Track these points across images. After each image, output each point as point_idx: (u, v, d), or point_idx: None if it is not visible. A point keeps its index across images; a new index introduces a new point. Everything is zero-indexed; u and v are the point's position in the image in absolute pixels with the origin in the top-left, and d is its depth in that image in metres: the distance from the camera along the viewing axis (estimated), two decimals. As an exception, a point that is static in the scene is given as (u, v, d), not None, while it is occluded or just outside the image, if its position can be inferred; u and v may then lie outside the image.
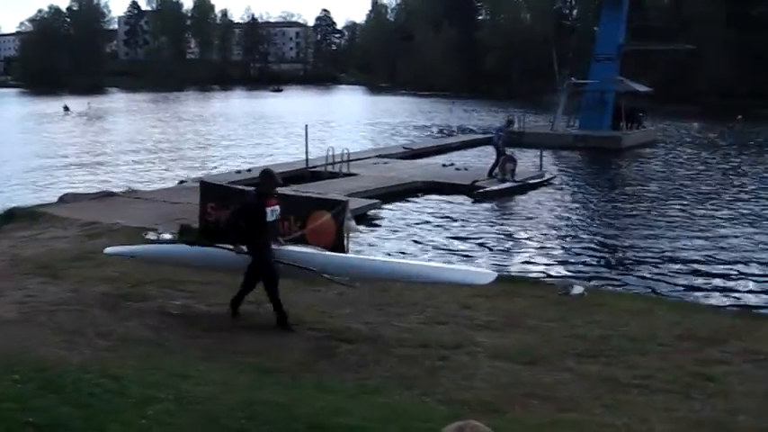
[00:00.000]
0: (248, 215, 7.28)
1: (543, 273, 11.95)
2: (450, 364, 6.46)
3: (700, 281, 11.70)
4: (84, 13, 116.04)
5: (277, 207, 7.42)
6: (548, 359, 6.59)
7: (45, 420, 4.64)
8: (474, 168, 22.32)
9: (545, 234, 15.04)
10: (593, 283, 11.10)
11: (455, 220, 16.09)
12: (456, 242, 14.11)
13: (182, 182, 19.52)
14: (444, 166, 23.03)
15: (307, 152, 20.47)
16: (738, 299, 10.72)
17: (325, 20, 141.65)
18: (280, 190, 7.87)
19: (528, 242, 14.38)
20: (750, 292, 11.14)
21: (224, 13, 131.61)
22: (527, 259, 13.02)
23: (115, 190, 17.49)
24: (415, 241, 14.09)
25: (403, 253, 12.95)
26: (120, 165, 26.59)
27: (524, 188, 19.78)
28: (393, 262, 8.90)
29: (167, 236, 11.25)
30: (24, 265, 9.65)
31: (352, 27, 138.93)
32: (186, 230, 11.34)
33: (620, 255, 13.53)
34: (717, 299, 10.70)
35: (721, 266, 12.52)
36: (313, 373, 6.19)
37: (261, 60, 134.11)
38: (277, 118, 49.65)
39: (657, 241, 14.28)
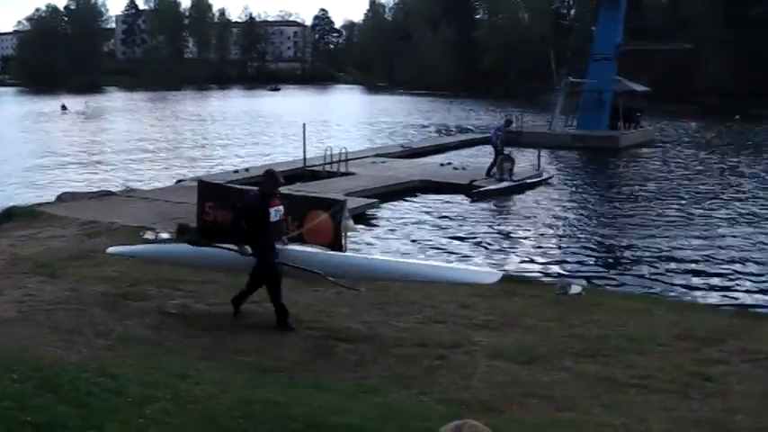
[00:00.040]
0: (251, 216, 7.26)
1: (541, 272, 11.96)
2: (448, 364, 6.46)
3: (698, 280, 11.71)
4: (81, 12, 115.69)
5: (281, 207, 7.43)
6: (546, 359, 6.59)
7: (43, 419, 4.65)
8: (472, 168, 22.31)
9: (543, 234, 15.06)
10: (591, 282, 11.11)
11: (453, 220, 16.10)
12: (454, 242, 14.12)
13: (179, 181, 19.48)
14: (442, 165, 23.02)
15: (305, 151, 20.46)
16: (736, 298, 10.73)
17: (322, 19, 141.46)
18: (278, 189, 7.87)
19: (526, 242, 14.39)
20: (748, 291, 11.16)
21: (222, 13, 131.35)
22: (525, 259, 13.02)
23: (113, 189, 17.49)
24: (413, 240, 14.10)
25: (400, 252, 12.95)
26: (118, 164, 26.52)
27: (522, 188, 19.77)
28: (395, 261, 8.86)
29: (165, 235, 11.24)
30: (23, 264, 9.64)
31: (349, 26, 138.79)
32: (184, 230, 11.34)
33: (618, 254, 13.54)
34: (715, 298, 10.72)
35: (719, 266, 12.53)
36: (311, 373, 6.20)
37: (258, 59, 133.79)
38: (275, 117, 49.58)
39: (655, 241, 14.29)
